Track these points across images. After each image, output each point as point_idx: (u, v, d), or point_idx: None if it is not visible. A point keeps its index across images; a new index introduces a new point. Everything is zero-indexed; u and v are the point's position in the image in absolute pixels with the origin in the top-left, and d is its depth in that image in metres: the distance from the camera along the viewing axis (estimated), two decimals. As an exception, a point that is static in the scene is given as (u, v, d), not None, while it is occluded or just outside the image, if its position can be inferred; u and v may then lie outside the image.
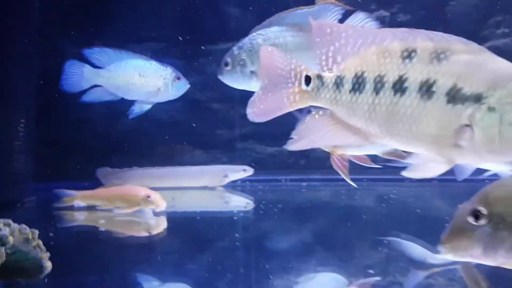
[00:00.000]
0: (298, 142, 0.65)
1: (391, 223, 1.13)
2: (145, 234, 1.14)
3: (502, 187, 0.59)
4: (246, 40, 1.02)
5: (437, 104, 0.56)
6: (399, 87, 0.58)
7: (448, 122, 0.56)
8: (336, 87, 0.61)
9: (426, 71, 0.57)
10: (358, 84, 0.60)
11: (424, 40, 0.57)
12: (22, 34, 1.30)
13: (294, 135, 0.70)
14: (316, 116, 0.61)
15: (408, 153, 0.77)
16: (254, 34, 0.98)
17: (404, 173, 0.63)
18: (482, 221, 0.57)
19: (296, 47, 0.85)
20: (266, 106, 0.64)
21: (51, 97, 1.30)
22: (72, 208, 1.13)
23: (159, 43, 1.43)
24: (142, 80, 1.24)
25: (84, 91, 1.26)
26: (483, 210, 0.57)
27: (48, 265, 0.80)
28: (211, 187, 1.35)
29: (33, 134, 1.39)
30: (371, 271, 0.88)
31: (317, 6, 0.85)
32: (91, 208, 1.16)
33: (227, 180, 1.37)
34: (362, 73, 0.60)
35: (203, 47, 1.49)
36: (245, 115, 1.39)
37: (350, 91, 0.60)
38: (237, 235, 1.15)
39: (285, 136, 1.24)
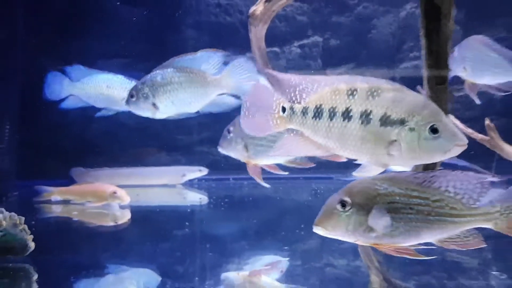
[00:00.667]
0: (278, 151, 0.85)
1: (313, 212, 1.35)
2: (111, 223, 1.28)
3: (362, 184, 0.81)
4: (148, 77, 1.15)
5: (373, 127, 0.76)
6: (346, 115, 0.78)
7: (382, 139, 0.76)
8: (303, 114, 0.79)
9: (365, 104, 0.77)
10: (318, 113, 0.79)
11: (362, 82, 0.78)
12: (8, 51, 1.47)
13: (275, 148, 0.92)
14: (291, 134, 0.80)
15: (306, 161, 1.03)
16: (154, 72, 1.12)
17: (354, 173, 0.87)
18: (347, 209, 0.80)
19: (188, 84, 1.05)
20: (257, 125, 0.82)
21: (32, 106, 1.46)
22: (50, 201, 1.31)
23: (127, 58, 1.61)
24: (109, 91, 1.40)
25: (62, 100, 1.42)
26: (348, 200, 0.80)
27: (32, 245, 1.00)
28: (171, 185, 1.52)
29: (17, 137, 1.53)
30: (286, 247, 1.13)
31: (199, 53, 1.05)
32: (66, 202, 1.34)
33: (185, 179, 1.53)
34: (320, 105, 0.79)
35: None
36: (202, 123, 1.59)
37: (312, 118, 0.79)
38: (189, 224, 1.30)
39: None
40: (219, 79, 1.07)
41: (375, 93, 0.78)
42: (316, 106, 0.81)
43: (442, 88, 0.90)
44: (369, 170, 0.83)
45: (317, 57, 1.63)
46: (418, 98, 0.79)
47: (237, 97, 1.10)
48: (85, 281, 0.98)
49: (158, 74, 1.08)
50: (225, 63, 1.16)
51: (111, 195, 1.31)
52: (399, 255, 0.86)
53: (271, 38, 1.45)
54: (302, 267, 1.02)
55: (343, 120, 0.80)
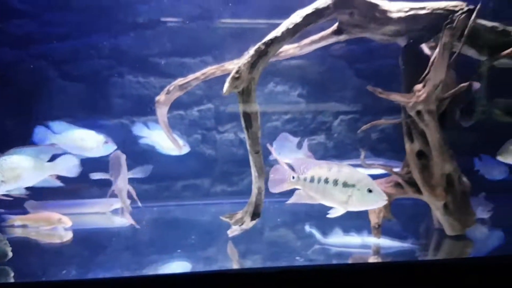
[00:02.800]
0: (291, 200, 1.46)
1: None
2: (58, 241, 1.69)
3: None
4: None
5: (339, 187, 1.36)
6: (326, 181, 1.38)
7: (343, 194, 1.36)
8: (304, 180, 1.41)
9: (335, 176, 1.37)
10: (311, 180, 1.40)
11: (334, 165, 1.40)
12: None
13: (291, 199, 1.47)
14: (299, 191, 1.44)
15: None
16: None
17: (328, 216, 1.44)
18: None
19: (32, 169, 1.59)
20: (279, 187, 1.44)
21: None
22: (13, 226, 1.77)
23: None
24: (82, 142, 1.87)
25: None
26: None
27: (10, 254, 1.39)
28: (102, 212, 1.96)
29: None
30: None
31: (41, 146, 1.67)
32: (24, 226, 1.78)
33: (113, 208, 1.97)
34: (313, 176, 1.39)
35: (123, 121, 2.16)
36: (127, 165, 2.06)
37: (309, 182, 1.40)
38: (115, 239, 1.73)
39: (155, 179, 2.03)
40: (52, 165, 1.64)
41: (340, 170, 1.38)
42: (310, 176, 1.41)
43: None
44: (337, 210, 1.42)
45: (211, 118, 2.25)
46: (361, 173, 1.41)
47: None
48: (46, 270, 1.39)
49: (3, 160, 1.57)
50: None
51: (57, 221, 1.74)
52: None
53: (177, 105, 2.03)
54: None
55: (324, 183, 1.39)
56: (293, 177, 1.44)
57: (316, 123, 2.24)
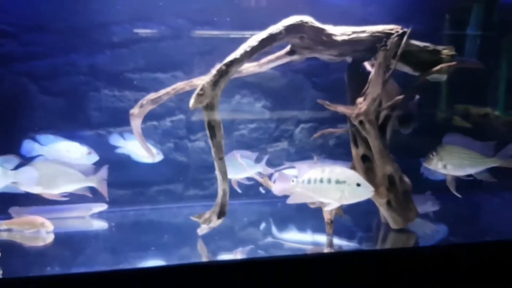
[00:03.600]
0: (291, 199, 1.66)
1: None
2: (42, 243, 1.78)
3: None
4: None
5: (332, 185, 1.58)
6: (320, 180, 1.59)
7: (337, 190, 1.58)
8: (302, 183, 1.62)
9: (328, 175, 1.59)
10: (308, 181, 1.61)
11: (327, 167, 1.64)
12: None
13: (289, 199, 1.66)
14: (297, 189, 1.65)
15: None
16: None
17: (325, 209, 1.72)
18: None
19: None
20: (282, 190, 1.67)
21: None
22: (-1, 230, 1.87)
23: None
24: (68, 153, 1.98)
25: (33, 157, 1.94)
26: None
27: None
28: (81, 216, 2.04)
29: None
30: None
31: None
32: (10, 230, 1.86)
33: (91, 212, 2.04)
34: (309, 177, 1.61)
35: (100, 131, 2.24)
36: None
37: (307, 183, 1.61)
38: (94, 240, 1.85)
39: (131, 185, 2.20)
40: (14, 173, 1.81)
41: (332, 170, 1.60)
42: (307, 178, 1.63)
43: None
44: (332, 205, 1.64)
45: (183, 128, 2.42)
46: (350, 171, 1.64)
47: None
48: (30, 268, 1.52)
49: None
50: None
51: (41, 224, 1.83)
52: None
53: (151, 116, 2.19)
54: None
55: (320, 183, 1.60)
56: (293, 181, 1.66)
57: (279, 131, 2.42)
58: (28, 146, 1.97)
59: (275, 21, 1.67)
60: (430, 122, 2.47)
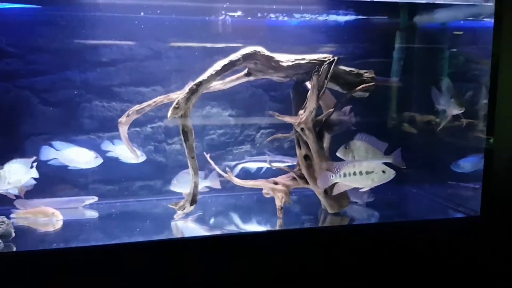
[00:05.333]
0: (336, 190, 2.12)
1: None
2: (52, 229, 2.05)
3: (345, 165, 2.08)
4: None
5: (364, 175, 2.04)
6: (354, 173, 2.05)
7: (368, 179, 2.05)
8: (339, 177, 2.04)
9: (359, 169, 2.04)
10: (345, 175, 2.04)
11: (357, 163, 2.07)
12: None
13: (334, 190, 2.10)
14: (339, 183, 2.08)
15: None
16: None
17: (361, 190, 2.13)
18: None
19: (24, 173, 2.14)
20: (325, 184, 2.12)
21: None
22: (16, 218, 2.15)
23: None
24: (78, 158, 2.31)
25: (49, 160, 2.31)
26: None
27: (13, 234, 1.86)
28: (76, 207, 2.34)
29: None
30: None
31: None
32: (26, 218, 2.13)
33: (85, 204, 2.32)
34: (345, 172, 2.04)
35: (91, 136, 2.53)
36: (95, 171, 2.62)
37: (343, 177, 2.05)
38: (88, 225, 2.19)
39: (118, 181, 2.63)
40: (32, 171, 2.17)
41: (360, 165, 2.02)
42: (343, 173, 2.02)
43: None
44: (365, 188, 2.06)
45: (161, 133, 2.83)
46: (374, 163, 2.04)
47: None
48: (41, 244, 1.93)
49: None
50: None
51: (52, 214, 2.11)
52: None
53: (135, 123, 2.59)
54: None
55: (354, 175, 2.02)
56: (332, 176, 2.07)
57: (243, 136, 2.83)
58: (45, 151, 2.32)
59: (238, 46, 2.12)
60: (384, 127, 2.91)
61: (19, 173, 2.08)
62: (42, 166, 2.29)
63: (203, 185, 2.25)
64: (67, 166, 2.35)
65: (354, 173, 2.03)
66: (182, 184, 2.23)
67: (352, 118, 2.32)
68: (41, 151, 2.31)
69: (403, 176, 2.44)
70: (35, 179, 2.23)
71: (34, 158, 2.19)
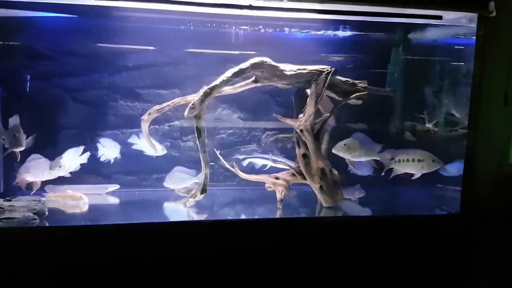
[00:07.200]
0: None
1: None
2: (79, 211, 2.29)
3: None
4: None
5: (416, 162, 2.43)
6: (407, 160, 2.46)
7: (419, 166, 2.49)
8: (395, 162, 2.51)
9: (411, 157, 2.48)
10: (400, 161, 2.52)
11: (409, 151, 2.50)
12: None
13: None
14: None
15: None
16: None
17: (413, 178, 2.47)
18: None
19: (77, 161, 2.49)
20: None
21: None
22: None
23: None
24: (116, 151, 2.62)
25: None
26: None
27: (47, 212, 2.13)
28: (100, 194, 2.60)
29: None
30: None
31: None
32: (57, 201, 2.39)
33: (108, 191, 2.56)
34: (400, 159, 2.53)
35: (116, 132, 2.84)
36: (116, 163, 2.94)
37: (398, 163, 2.53)
38: (113, 208, 2.65)
39: (138, 173, 2.95)
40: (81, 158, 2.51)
41: (414, 153, 2.43)
42: (398, 159, 2.44)
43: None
44: (417, 174, 2.38)
45: (177, 131, 3.13)
46: (425, 152, 2.38)
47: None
48: (71, 221, 2.24)
49: None
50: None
51: (79, 197, 2.36)
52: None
53: (153, 122, 2.89)
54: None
55: (407, 162, 2.42)
56: (389, 162, 2.41)
57: (250, 136, 2.93)
58: (98, 147, 2.69)
59: (248, 55, 2.41)
60: (388, 135, 3.11)
61: (73, 160, 2.42)
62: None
63: (192, 182, 2.52)
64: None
65: (407, 160, 2.35)
66: (173, 182, 2.49)
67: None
68: (98, 147, 2.70)
69: (395, 177, 2.71)
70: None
71: (84, 147, 2.50)
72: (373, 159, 2.56)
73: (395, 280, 2.42)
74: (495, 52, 2.32)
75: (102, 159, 2.57)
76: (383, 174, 2.53)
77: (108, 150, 2.58)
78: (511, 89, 2.38)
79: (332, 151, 2.46)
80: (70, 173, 2.51)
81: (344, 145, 2.41)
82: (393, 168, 2.39)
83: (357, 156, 2.55)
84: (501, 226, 2.48)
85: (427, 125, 2.68)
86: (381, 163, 2.59)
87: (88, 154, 2.46)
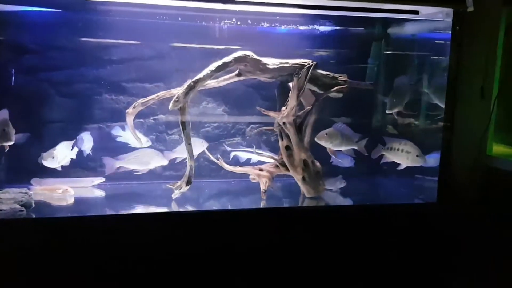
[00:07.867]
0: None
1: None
2: (65, 203, 2.33)
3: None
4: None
5: (404, 153, 2.60)
6: (397, 149, 2.69)
7: (405, 157, 2.59)
8: (387, 149, 2.71)
9: (402, 147, 2.64)
10: (391, 148, 2.72)
11: (402, 141, 2.65)
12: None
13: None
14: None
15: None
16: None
17: (399, 168, 2.55)
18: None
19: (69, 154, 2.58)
20: (376, 155, 2.73)
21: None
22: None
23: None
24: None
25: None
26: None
27: (33, 204, 2.15)
28: (86, 187, 2.66)
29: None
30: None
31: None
32: (44, 194, 2.42)
33: (94, 183, 2.59)
34: (392, 147, 2.71)
35: (100, 125, 2.98)
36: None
37: (390, 150, 2.70)
38: (98, 201, 2.65)
39: None
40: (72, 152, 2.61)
41: (405, 144, 2.53)
42: (391, 147, 2.59)
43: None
44: (402, 165, 2.54)
45: (162, 124, 3.17)
46: (414, 147, 2.49)
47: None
48: (57, 213, 2.30)
49: None
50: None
51: (65, 190, 2.41)
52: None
53: (139, 115, 2.94)
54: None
55: (397, 151, 2.53)
56: (382, 149, 2.55)
57: (235, 129, 2.96)
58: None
59: (231, 49, 2.46)
60: (371, 127, 3.17)
61: (66, 153, 2.50)
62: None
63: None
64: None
65: (398, 149, 2.50)
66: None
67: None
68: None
69: (374, 168, 2.80)
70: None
71: (74, 141, 2.58)
72: (353, 149, 2.65)
73: (375, 267, 2.52)
74: (472, 46, 2.41)
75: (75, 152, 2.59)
76: (373, 158, 2.69)
77: (86, 144, 2.63)
78: (487, 83, 2.46)
79: (315, 140, 2.53)
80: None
81: (326, 134, 2.49)
82: (383, 154, 2.50)
83: (337, 145, 2.63)
84: (477, 215, 2.58)
85: (387, 111, 2.78)
86: (361, 153, 2.68)
87: (76, 149, 2.49)
